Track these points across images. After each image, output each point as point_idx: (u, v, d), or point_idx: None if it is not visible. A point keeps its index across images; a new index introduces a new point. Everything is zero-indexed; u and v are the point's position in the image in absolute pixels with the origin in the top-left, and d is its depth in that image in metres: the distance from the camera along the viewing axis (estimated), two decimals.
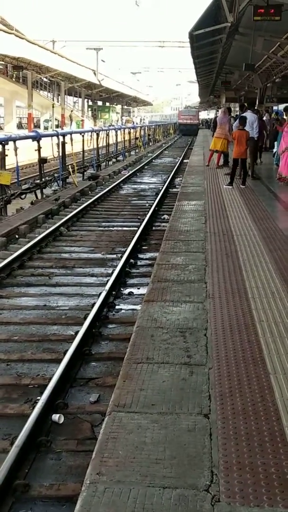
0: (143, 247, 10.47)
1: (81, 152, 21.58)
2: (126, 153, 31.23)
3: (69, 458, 4.09)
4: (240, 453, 2.95)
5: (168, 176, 22.08)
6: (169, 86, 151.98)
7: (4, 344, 6.10)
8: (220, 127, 18.03)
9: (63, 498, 3.65)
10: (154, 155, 34.48)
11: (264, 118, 20.60)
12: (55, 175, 17.82)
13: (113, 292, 7.59)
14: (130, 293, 7.77)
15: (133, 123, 62.73)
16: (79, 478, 3.68)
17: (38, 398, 4.67)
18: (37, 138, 15.56)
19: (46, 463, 4.02)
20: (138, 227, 11.67)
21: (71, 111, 52.73)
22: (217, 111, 48.26)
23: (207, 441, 3.05)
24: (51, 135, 18.08)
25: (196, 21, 16.55)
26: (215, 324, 4.72)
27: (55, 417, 4.48)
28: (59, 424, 4.46)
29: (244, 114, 14.82)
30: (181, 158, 31.34)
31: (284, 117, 18.18)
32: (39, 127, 46.53)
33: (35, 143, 15.61)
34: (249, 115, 14.66)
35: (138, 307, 6.90)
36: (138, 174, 24.39)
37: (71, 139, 18.74)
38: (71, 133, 19.36)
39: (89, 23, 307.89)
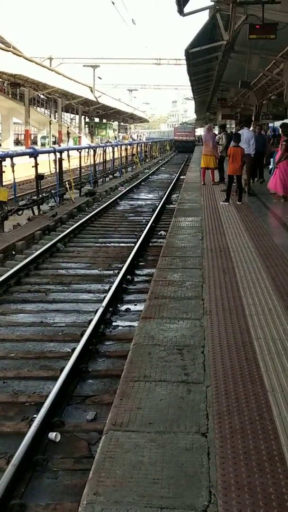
0: (140, 263, 10.46)
1: (78, 169, 21.65)
2: (123, 170, 31.34)
3: (66, 477, 4.04)
4: (238, 472, 2.93)
5: (165, 193, 22.13)
6: (166, 103, 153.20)
7: (0, 361, 6.06)
8: (205, 144, 18.26)
9: None
10: (151, 172, 34.63)
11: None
12: (52, 191, 17.84)
13: (110, 309, 7.57)
14: (127, 310, 7.75)
15: (131, 139, 62.90)
16: (75, 498, 3.64)
17: (35, 416, 4.63)
18: (34, 154, 15.60)
19: (43, 482, 3.97)
20: (135, 243, 11.67)
21: (68, 127, 52.96)
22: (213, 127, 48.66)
23: (205, 460, 3.03)
24: (48, 152, 18.13)
25: (192, 39, 16.75)
26: (213, 341, 4.71)
27: (52, 435, 4.44)
28: (56, 442, 4.42)
29: (241, 131, 14.91)
30: (177, 175, 31.46)
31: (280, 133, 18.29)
32: (36, 143, 46.74)
33: (32, 159, 15.66)
34: (246, 132, 14.75)
35: (135, 323, 6.88)
36: (135, 190, 24.46)
37: (68, 156, 18.80)
38: (68, 150, 19.42)
39: (86, 40, 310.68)
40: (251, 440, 3.22)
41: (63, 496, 3.84)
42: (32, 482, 3.94)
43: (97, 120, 70.04)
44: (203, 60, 20.21)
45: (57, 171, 17.77)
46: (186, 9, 12.81)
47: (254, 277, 6.77)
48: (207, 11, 14.76)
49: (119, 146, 32.69)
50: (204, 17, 15.62)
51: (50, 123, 44.56)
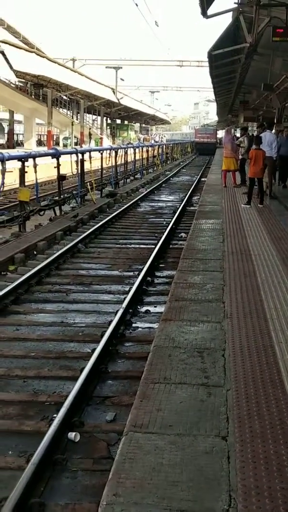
0: (160, 265, 10.46)
1: (100, 170, 21.73)
2: (144, 171, 31.37)
3: (85, 477, 4.06)
4: (259, 477, 2.92)
5: (186, 194, 22.12)
6: (188, 105, 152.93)
7: (21, 361, 6.11)
8: (225, 147, 18.28)
9: None
10: (172, 173, 34.61)
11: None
12: (74, 192, 17.93)
13: (130, 310, 7.59)
14: (147, 311, 7.76)
15: (154, 141, 63.02)
16: (94, 498, 3.65)
17: (55, 415, 4.66)
18: (56, 155, 15.70)
19: (62, 482, 3.99)
20: (155, 245, 11.67)
21: (90, 129, 53.16)
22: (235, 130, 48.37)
23: (225, 464, 3.02)
24: (70, 153, 18.22)
25: (215, 41, 16.73)
26: (233, 344, 4.70)
27: (71, 435, 4.46)
28: (75, 442, 4.44)
29: (263, 134, 14.85)
30: (198, 177, 31.42)
31: None
32: (58, 144, 46.97)
33: (54, 160, 15.75)
34: (268, 134, 14.71)
35: (154, 325, 6.88)
36: (155, 192, 24.47)
37: (90, 157, 18.88)
38: (90, 151, 19.50)
39: (109, 42, 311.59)
40: (272, 445, 3.21)
41: (82, 496, 3.85)
42: (51, 481, 3.96)
43: (118, 121, 70.22)
44: (225, 62, 20.17)
45: (79, 172, 17.85)
46: (210, 11, 12.81)
47: (276, 280, 6.73)
48: (231, 13, 14.74)
49: (140, 147, 32.73)
50: (227, 19, 15.63)
51: (72, 124, 44.77)
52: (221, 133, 77.00)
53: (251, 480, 2.89)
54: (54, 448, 4.21)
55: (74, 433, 4.48)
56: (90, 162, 18.81)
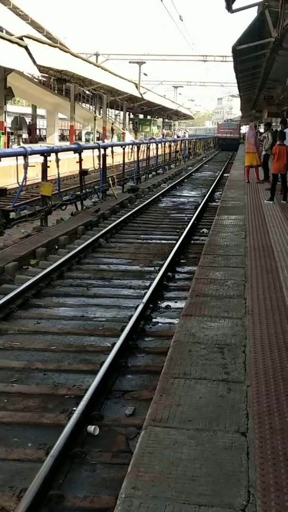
0: (181, 261, 10.44)
1: (122, 165, 21.74)
2: (166, 166, 31.29)
3: (104, 470, 4.08)
4: (278, 473, 2.90)
5: (208, 190, 22.03)
6: (211, 100, 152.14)
7: (41, 354, 6.15)
8: (247, 142, 18.16)
9: (97, 511, 3.63)
10: (194, 169, 34.50)
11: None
12: (96, 187, 17.96)
13: (150, 305, 7.58)
14: (167, 307, 7.75)
15: (176, 136, 62.75)
16: (113, 491, 3.67)
17: (74, 408, 4.68)
18: (78, 150, 15.73)
19: (81, 475, 4.01)
20: (177, 240, 11.65)
21: (113, 123, 53.22)
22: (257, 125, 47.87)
23: (244, 460, 3.01)
24: (92, 148, 18.25)
25: (240, 35, 16.60)
26: (254, 341, 4.67)
27: (91, 428, 4.48)
28: (94, 435, 4.46)
29: (286, 129, 14.71)
30: (221, 172, 31.28)
31: None
32: (80, 139, 47.10)
33: (77, 155, 15.79)
34: None
35: (175, 320, 6.88)
36: (177, 187, 24.42)
37: (112, 152, 18.89)
38: (112, 146, 19.52)
39: (133, 37, 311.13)
40: None
41: (101, 489, 3.87)
42: (70, 474, 3.98)
43: (141, 116, 70.13)
44: (250, 57, 20.00)
45: (101, 167, 17.87)
46: (235, 6, 12.72)
47: None
48: (256, 7, 14.62)
49: (162, 142, 32.66)
50: (253, 13, 15.48)
51: (94, 119, 44.86)
52: (244, 128, 75.82)
53: (270, 476, 2.87)
54: (73, 441, 4.23)
55: (93, 427, 4.49)
56: (112, 157, 18.82)
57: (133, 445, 4.10)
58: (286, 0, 12.20)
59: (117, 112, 66.80)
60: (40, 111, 50.29)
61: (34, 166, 15.56)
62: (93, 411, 4.71)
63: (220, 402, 3.62)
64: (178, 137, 56.93)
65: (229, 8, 12.44)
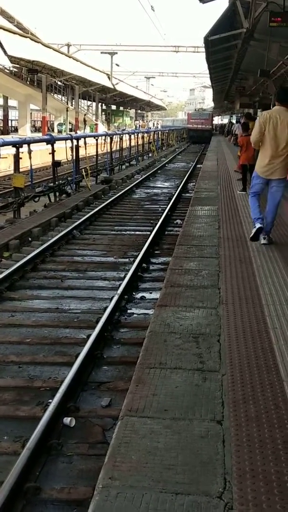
0: (156, 252, 10.46)
1: (95, 156, 21.64)
2: (139, 158, 31.25)
3: (80, 461, 4.08)
4: (253, 460, 2.93)
5: (181, 181, 22.08)
6: (184, 91, 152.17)
7: (16, 347, 6.12)
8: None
9: (74, 502, 3.64)
10: (167, 160, 34.52)
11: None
12: (69, 178, 17.86)
13: (125, 296, 7.59)
14: (142, 298, 7.77)
15: (147, 127, 62.42)
16: (89, 482, 3.68)
17: (50, 401, 4.67)
18: (51, 141, 15.61)
19: (57, 466, 4.01)
20: (151, 231, 11.66)
21: (85, 115, 52.91)
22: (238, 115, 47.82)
23: (220, 447, 3.04)
24: (65, 139, 18.13)
25: (211, 26, 16.62)
26: (229, 330, 4.70)
27: (67, 420, 4.48)
28: (71, 427, 4.45)
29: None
30: (194, 163, 31.35)
31: None
32: (53, 130, 46.72)
33: (49, 146, 15.68)
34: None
35: (150, 311, 6.90)
36: (151, 178, 24.42)
37: (85, 143, 18.79)
38: (84, 137, 19.41)
39: (104, 27, 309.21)
40: (267, 429, 3.22)
41: (78, 481, 3.87)
42: (47, 466, 3.98)
43: (114, 107, 69.85)
44: (222, 48, 20.06)
45: (74, 158, 17.77)
46: None
47: (271, 266, 6.73)
48: None
49: (135, 134, 32.59)
50: (224, 4, 15.51)
51: (67, 110, 44.55)
52: (217, 119, 75.07)
53: (246, 463, 2.90)
54: (50, 433, 4.23)
55: (69, 418, 4.49)
56: (85, 148, 18.75)
57: (110, 436, 4.12)
58: None
59: (89, 103, 66.41)
60: (12, 102, 49.72)
61: (6, 157, 15.44)
62: (69, 403, 4.71)
63: (196, 391, 3.64)
64: (149, 128, 56.05)
65: None
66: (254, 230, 7.76)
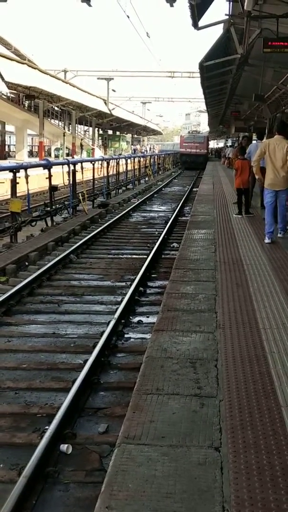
0: (153, 275, 10.45)
1: (92, 180, 21.74)
2: (136, 182, 31.40)
3: (77, 489, 4.03)
4: (252, 488, 2.90)
5: (178, 205, 22.17)
6: (179, 116, 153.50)
7: (12, 372, 6.07)
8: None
9: None
10: (164, 184, 34.69)
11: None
12: (66, 202, 17.92)
13: (122, 321, 7.57)
14: (139, 322, 7.74)
15: (140, 152, 62.41)
16: (86, 511, 3.63)
17: (46, 427, 4.62)
18: (48, 166, 15.69)
19: (54, 495, 3.96)
20: (148, 255, 11.67)
21: (82, 139, 53.28)
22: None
23: (218, 475, 3.00)
24: (62, 163, 18.22)
25: (206, 52, 16.85)
26: (226, 355, 4.69)
27: (63, 447, 4.43)
28: (67, 454, 4.40)
29: (251, 145, 14.99)
30: (190, 187, 31.51)
31: None
32: (50, 155, 47.02)
33: (46, 171, 15.76)
34: (254, 145, 14.80)
35: (147, 335, 6.87)
36: (147, 202, 24.51)
37: (82, 168, 18.90)
38: (81, 162, 19.52)
39: (101, 53, 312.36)
40: (265, 455, 3.19)
41: (74, 509, 3.82)
42: (43, 494, 3.93)
43: (110, 132, 70.37)
44: (217, 73, 20.32)
45: (71, 182, 17.85)
46: (201, 23, 12.92)
47: (268, 290, 6.73)
48: (222, 25, 14.85)
49: (132, 158, 32.80)
50: (219, 30, 15.76)
51: (64, 135, 44.84)
52: (212, 143, 74.04)
53: (244, 491, 2.87)
54: (46, 461, 4.18)
55: (66, 445, 4.45)
56: (82, 173, 18.83)
57: (107, 463, 4.06)
58: (250, 17, 12.42)
59: (86, 128, 66.91)
60: (9, 128, 50.11)
61: (3, 182, 15.50)
62: (66, 430, 4.66)
63: (193, 417, 3.62)
64: (141, 152, 54.80)
65: (195, 25, 12.65)
66: (266, 241, 9.86)
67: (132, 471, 3.03)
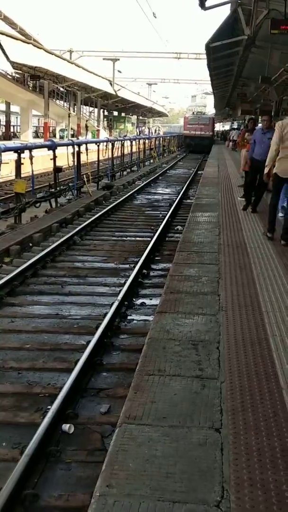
0: (156, 258, 10.46)
1: (96, 162, 21.66)
2: (140, 164, 31.29)
3: (79, 468, 4.07)
4: (252, 469, 2.92)
5: (182, 187, 22.10)
6: (185, 98, 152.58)
7: (15, 352, 6.10)
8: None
9: (72, 509, 3.63)
10: (169, 166, 34.55)
11: None
12: (70, 184, 17.87)
13: (125, 302, 7.58)
14: (142, 304, 7.76)
15: (142, 134, 61.74)
16: (88, 489, 3.66)
17: (49, 407, 4.66)
18: (52, 147, 15.63)
19: (56, 473, 4.00)
20: (152, 237, 11.66)
21: (87, 120, 52.96)
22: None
23: (218, 456, 3.03)
24: (67, 145, 18.13)
25: (213, 33, 16.65)
26: (228, 337, 4.70)
27: (65, 427, 4.47)
28: (69, 434, 4.44)
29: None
30: (195, 170, 31.38)
31: None
32: (55, 136, 46.81)
33: (51, 152, 15.70)
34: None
35: (150, 317, 6.89)
36: (152, 184, 24.44)
37: (87, 149, 18.81)
38: (86, 143, 19.42)
39: (107, 34, 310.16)
40: (265, 437, 3.21)
41: (76, 488, 3.86)
42: (45, 473, 3.97)
43: (116, 113, 69.95)
44: (223, 55, 20.10)
45: (75, 164, 17.78)
46: (208, 3, 12.74)
47: (271, 274, 6.73)
48: (229, 5, 14.67)
49: (137, 140, 32.63)
50: (226, 11, 15.56)
51: (69, 116, 44.61)
52: (218, 126, 72.80)
53: (244, 472, 2.89)
54: (48, 440, 4.22)
55: (68, 425, 4.48)
56: (87, 154, 18.73)
57: (108, 443, 4.09)
58: None
59: (91, 109, 66.52)
60: (14, 108, 49.86)
61: (8, 163, 15.46)
62: (68, 410, 4.70)
63: (195, 399, 3.64)
64: (145, 134, 53.49)
65: (202, 5, 12.47)
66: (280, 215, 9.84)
67: (133, 451, 3.05)
